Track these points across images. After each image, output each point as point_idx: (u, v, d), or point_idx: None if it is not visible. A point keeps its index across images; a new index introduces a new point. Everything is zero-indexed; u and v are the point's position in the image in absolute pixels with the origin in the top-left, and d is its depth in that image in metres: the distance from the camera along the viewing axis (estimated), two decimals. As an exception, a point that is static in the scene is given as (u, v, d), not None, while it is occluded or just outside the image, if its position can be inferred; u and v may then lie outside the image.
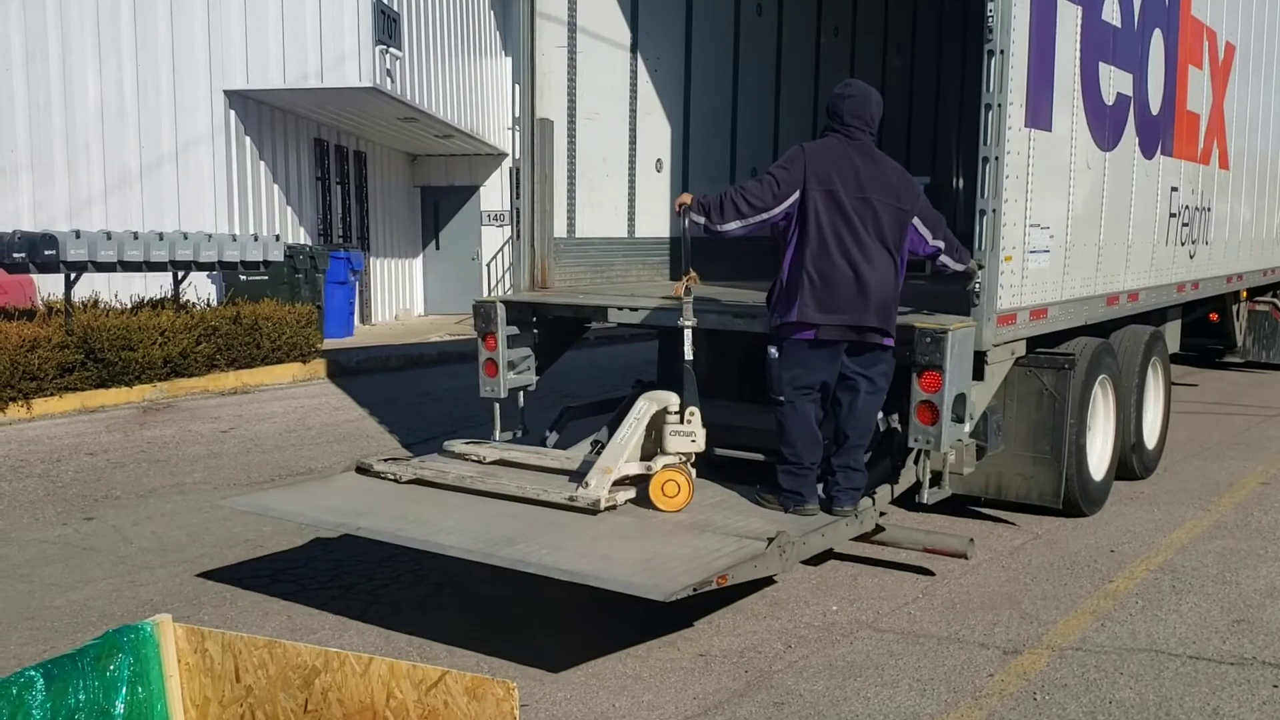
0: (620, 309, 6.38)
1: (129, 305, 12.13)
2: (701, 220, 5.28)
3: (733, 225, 5.22)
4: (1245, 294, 12.06)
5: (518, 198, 6.94)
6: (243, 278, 13.75)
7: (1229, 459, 8.47)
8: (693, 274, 5.43)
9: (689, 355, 5.45)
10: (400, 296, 20.72)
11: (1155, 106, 7.67)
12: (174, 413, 10.42)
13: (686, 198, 5.40)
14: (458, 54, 18.46)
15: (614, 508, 5.14)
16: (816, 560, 5.85)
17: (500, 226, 20.89)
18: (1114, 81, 6.83)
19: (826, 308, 5.09)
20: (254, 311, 12.36)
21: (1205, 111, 8.93)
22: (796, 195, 5.13)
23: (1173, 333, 9.31)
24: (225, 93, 14.56)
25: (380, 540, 5.01)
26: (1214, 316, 11.92)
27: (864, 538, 5.54)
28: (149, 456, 8.47)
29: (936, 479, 5.56)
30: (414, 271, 21.39)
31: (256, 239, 13.04)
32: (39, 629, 4.90)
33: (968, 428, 5.45)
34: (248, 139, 15.15)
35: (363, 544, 6.12)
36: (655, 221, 8.28)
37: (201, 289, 13.89)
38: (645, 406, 5.40)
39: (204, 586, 5.46)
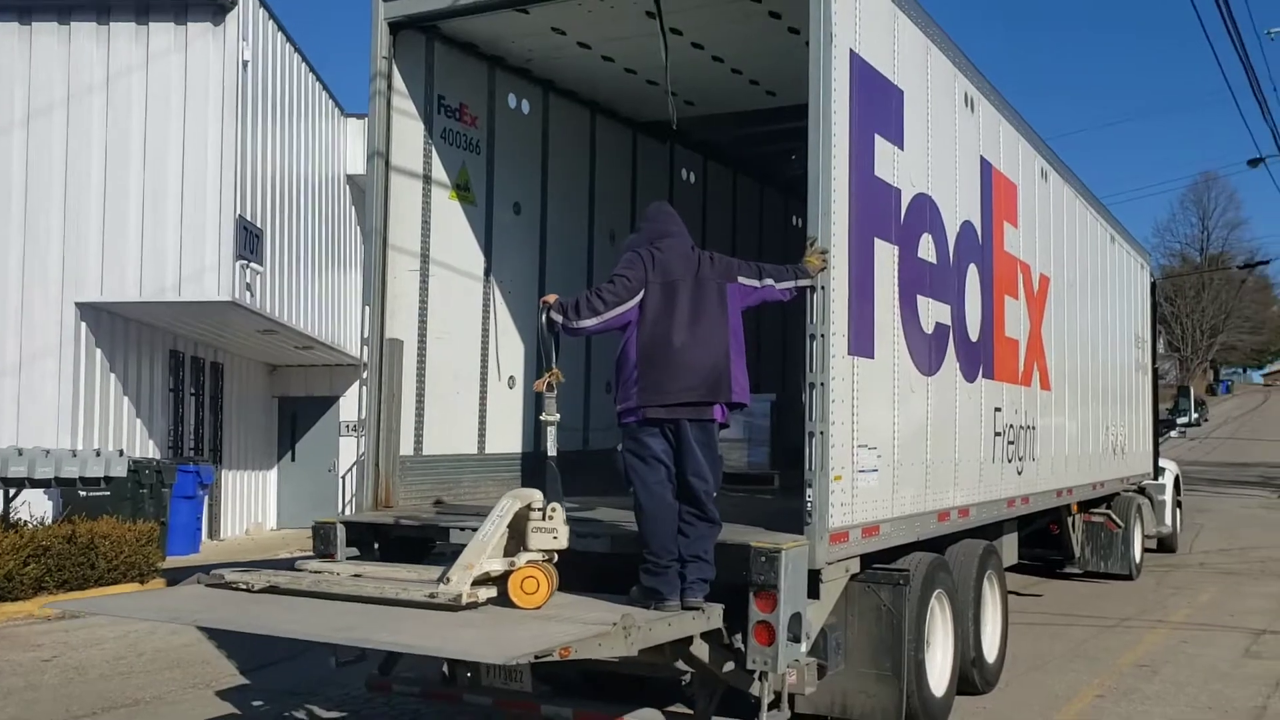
0: (463, 529, 6.30)
1: (-48, 524, 11.50)
2: (559, 319, 5.47)
3: (589, 322, 5.43)
4: (1076, 507, 12.59)
5: (364, 416, 6.95)
6: (82, 494, 13.22)
7: (1069, 671, 8.69)
8: (555, 371, 5.47)
9: (552, 451, 5.46)
10: (253, 510, 20.10)
11: (974, 334, 8.20)
12: (-8, 639, 9.77)
13: (550, 297, 5.59)
14: (319, 266, 18.59)
15: (475, 605, 5.02)
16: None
17: (359, 437, 20.53)
18: (932, 312, 7.31)
19: (658, 390, 5.32)
20: (91, 529, 11.82)
21: (1024, 337, 9.56)
22: (644, 292, 5.43)
23: (1009, 545, 9.65)
24: (77, 304, 14.33)
25: (219, 629, 4.94)
26: (1054, 528, 12.34)
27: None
28: (-43, 690, 7.88)
29: (777, 700, 5.55)
30: (268, 484, 20.84)
31: (99, 454, 12.64)
32: None
33: (804, 647, 5.49)
34: (99, 351, 14.85)
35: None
36: (507, 437, 8.35)
37: (37, 506, 13.23)
38: (508, 504, 5.36)
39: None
